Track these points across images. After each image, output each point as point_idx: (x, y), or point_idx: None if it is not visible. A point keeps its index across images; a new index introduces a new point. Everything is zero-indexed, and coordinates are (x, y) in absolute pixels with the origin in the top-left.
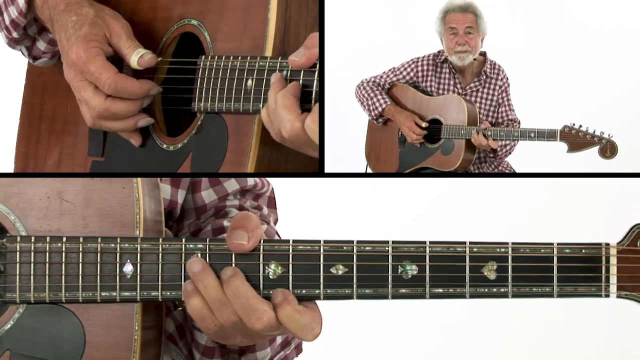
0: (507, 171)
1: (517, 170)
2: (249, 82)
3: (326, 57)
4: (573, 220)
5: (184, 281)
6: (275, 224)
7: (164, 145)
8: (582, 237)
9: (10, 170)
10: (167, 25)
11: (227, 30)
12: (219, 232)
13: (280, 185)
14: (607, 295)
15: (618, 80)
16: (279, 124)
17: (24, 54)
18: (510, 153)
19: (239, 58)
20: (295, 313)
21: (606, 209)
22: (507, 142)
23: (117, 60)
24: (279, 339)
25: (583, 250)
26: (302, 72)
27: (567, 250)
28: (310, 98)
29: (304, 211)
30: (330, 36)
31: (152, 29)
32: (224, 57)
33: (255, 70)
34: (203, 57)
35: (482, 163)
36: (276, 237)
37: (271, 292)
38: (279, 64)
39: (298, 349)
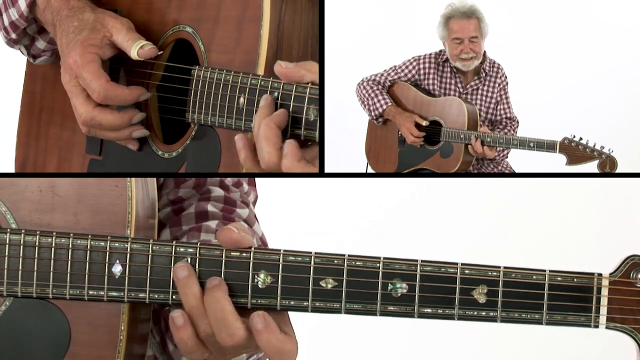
0: (507, 171)
1: (517, 171)
2: (241, 99)
3: (326, 56)
4: (571, 220)
5: (172, 285)
6: (255, 202)
7: (160, 152)
8: (579, 239)
9: (12, 157)
10: (162, 30)
11: (221, 42)
12: (202, 216)
13: (280, 186)
14: (597, 326)
15: (616, 78)
16: (259, 153)
17: (23, 53)
18: (506, 156)
19: (232, 73)
20: (277, 342)
21: (604, 210)
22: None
23: (113, 67)
24: None
25: (575, 279)
26: (292, 96)
27: (559, 279)
28: (300, 125)
29: (304, 211)
30: (330, 34)
31: (147, 33)
32: (217, 70)
33: (247, 89)
34: (197, 67)
35: (481, 165)
36: (256, 224)
37: (251, 316)
38: (270, 84)
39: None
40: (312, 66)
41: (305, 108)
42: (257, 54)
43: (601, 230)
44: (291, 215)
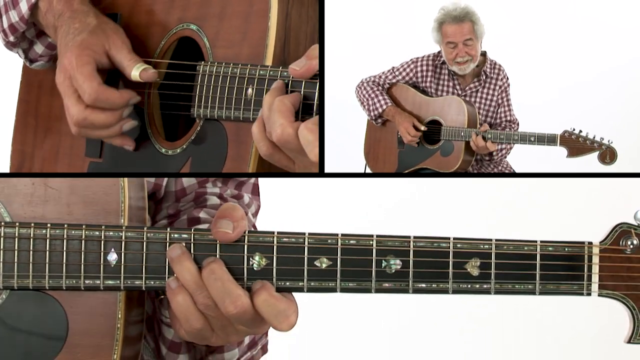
0: (507, 171)
1: (517, 170)
2: (249, 90)
3: (326, 56)
4: (571, 220)
5: (168, 271)
6: (257, 212)
7: (163, 150)
8: (579, 239)
9: (6, 168)
10: (166, 29)
11: (227, 37)
12: (194, 222)
13: (280, 186)
14: (589, 294)
15: (616, 78)
16: (270, 128)
17: (20, 56)
18: (505, 156)
19: (239, 66)
20: (271, 298)
21: (604, 210)
22: (504, 145)
23: (110, 73)
24: (246, 340)
25: (566, 249)
26: (303, 83)
27: (550, 248)
28: (312, 111)
29: (304, 211)
30: (330, 35)
31: (150, 32)
32: (223, 63)
33: (256, 79)
34: (202, 62)
35: (480, 166)
36: None
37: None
38: (279, 73)
39: (264, 349)
40: (317, 51)
41: (316, 94)
42: (265, 45)
43: (601, 230)
44: (291, 215)
